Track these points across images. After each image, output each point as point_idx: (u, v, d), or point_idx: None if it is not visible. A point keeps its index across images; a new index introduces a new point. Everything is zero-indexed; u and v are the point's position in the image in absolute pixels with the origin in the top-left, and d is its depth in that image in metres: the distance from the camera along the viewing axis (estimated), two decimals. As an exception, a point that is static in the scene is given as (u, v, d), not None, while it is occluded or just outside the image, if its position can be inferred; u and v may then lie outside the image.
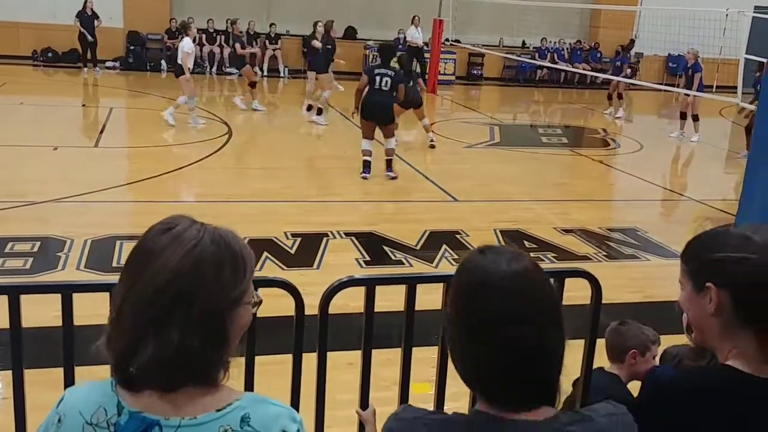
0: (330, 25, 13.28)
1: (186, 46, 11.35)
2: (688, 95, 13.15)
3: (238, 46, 14.11)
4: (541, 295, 1.28)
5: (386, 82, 8.79)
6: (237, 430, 1.22)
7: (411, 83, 10.60)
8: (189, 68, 11.32)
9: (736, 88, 11.33)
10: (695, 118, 13.18)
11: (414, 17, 17.97)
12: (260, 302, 1.35)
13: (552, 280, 2.39)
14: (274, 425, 1.24)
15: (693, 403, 1.48)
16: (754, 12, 13.00)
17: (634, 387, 2.72)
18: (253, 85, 13.49)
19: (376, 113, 8.79)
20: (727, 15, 12.13)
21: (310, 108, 12.98)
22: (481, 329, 1.26)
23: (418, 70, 18.52)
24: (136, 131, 11.24)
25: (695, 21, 14.23)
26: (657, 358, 3.01)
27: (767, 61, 7.80)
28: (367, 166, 8.89)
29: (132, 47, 18.42)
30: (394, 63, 9.38)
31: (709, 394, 1.48)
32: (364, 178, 8.80)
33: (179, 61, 11.31)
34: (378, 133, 9.01)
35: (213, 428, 1.21)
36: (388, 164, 8.99)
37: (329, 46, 13.15)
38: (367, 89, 8.84)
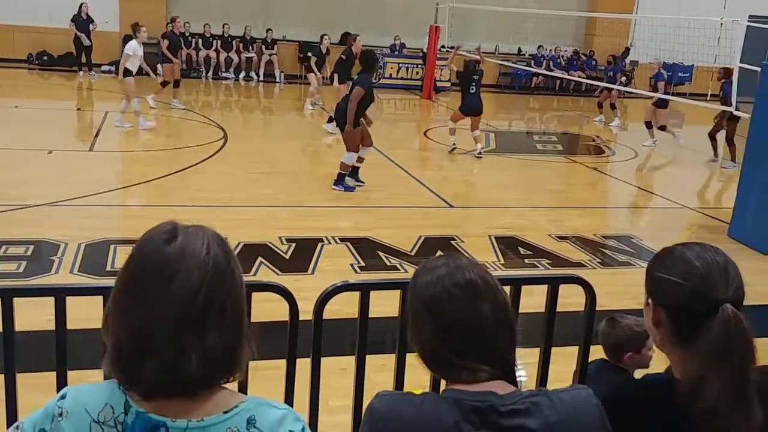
0: (353, 39, 13.23)
1: (128, 47, 11.41)
2: (657, 107, 13.18)
3: (165, 42, 14.06)
4: (486, 280, 1.43)
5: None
6: None
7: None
8: (131, 71, 11.31)
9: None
10: (648, 125, 13.24)
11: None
12: None
13: (547, 285, 2.41)
14: (280, 427, 1.25)
15: (625, 416, 1.55)
16: (749, 21, 13.06)
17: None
18: (163, 84, 13.50)
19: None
20: (721, 24, 12.18)
21: (331, 120, 12.80)
22: (432, 312, 1.41)
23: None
24: (131, 135, 11.22)
25: (690, 30, 14.30)
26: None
27: (761, 69, 7.84)
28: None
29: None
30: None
31: (636, 405, 1.58)
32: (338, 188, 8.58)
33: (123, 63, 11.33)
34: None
35: (220, 430, 1.22)
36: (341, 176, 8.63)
37: (345, 57, 13.07)
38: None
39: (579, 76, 19.57)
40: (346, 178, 8.69)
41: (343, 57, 13.13)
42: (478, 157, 10.98)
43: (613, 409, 1.53)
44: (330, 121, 11.92)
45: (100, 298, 1.95)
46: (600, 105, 16.29)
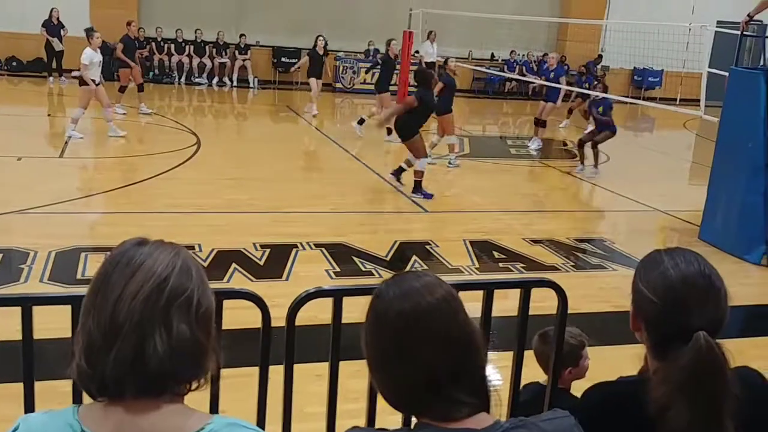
0: (388, 43, 13.09)
1: (84, 57, 11.00)
2: (546, 101, 13.23)
3: (119, 46, 13.86)
4: (454, 324, 1.31)
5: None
6: None
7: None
8: (93, 80, 10.98)
9: (699, 100, 11.54)
10: (541, 124, 13.30)
11: (430, 32, 17.93)
12: None
13: (519, 289, 2.42)
14: None
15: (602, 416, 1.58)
16: (717, 26, 13.29)
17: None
18: (121, 90, 13.37)
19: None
20: (689, 29, 12.37)
21: (362, 122, 12.67)
22: (399, 353, 1.29)
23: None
24: (102, 142, 11.10)
25: (659, 35, 14.51)
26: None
27: (729, 73, 7.98)
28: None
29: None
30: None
31: (611, 412, 1.60)
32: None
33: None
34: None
35: None
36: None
37: (383, 62, 12.95)
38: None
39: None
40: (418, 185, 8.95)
41: (381, 62, 13.02)
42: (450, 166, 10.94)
43: (594, 415, 1.55)
44: (390, 133, 11.87)
45: (68, 308, 1.92)
46: (570, 111, 16.43)
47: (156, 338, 1.17)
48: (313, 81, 14.68)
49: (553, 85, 12.99)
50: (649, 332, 1.56)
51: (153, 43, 18.28)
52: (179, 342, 1.18)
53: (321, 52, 14.89)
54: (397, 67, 13.92)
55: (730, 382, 1.45)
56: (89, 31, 11.42)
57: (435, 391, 1.27)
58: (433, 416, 1.29)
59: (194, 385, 1.24)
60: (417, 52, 18.74)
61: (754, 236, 7.16)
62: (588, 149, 11.23)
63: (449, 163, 10.90)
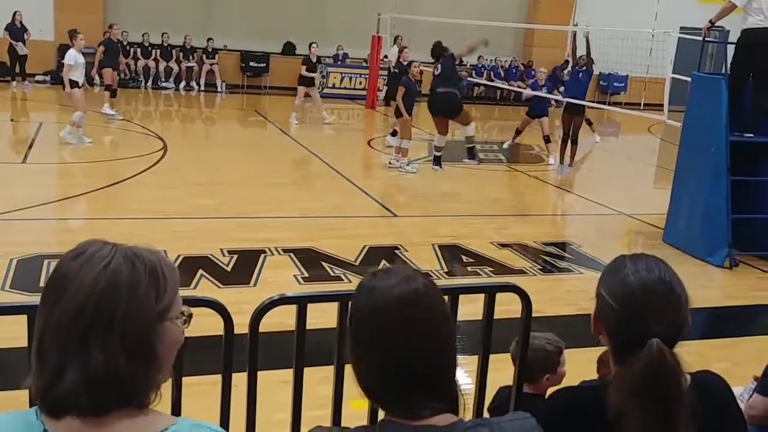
0: (400, 50, 13.03)
1: (68, 57, 11.02)
2: (537, 116, 13.23)
3: (101, 49, 13.76)
4: (429, 315, 1.34)
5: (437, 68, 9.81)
6: None
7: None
8: (76, 81, 10.97)
9: (662, 105, 11.74)
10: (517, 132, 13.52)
11: (396, 37, 17.90)
12: (190, 316, 1.31)
13: (484, 294, 2.43)
14: None
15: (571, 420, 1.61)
16: (680, 32, 13.52)
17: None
18: (108, 89, 13.27)
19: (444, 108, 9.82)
20: (653, 35, 12.58)
21: (395, 133, 12.37)
22: (374, 348, 1.33)
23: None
24: (66, 147, 10.93)
25: (624, 41, 14.73)
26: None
27: (692, 79, 8.13)
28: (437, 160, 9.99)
29: (63, 61, 17.94)
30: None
31: (574, 417, 1.62)
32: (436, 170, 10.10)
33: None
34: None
35: None
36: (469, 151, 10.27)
37: (397, 70, 12.84)
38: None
39: (519, 86, 19.90)
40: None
41: (396, 71, 12.90)
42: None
43: (558, 420, 1.57)
44: (394, 134, 11.88)
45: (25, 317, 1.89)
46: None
47: (69, 369, 1.14)
48: (301, 90, 14.68)
49: (538, 93, 13.06)
50: (609, 337, 1.58)
51: (119, 45, 18.03)
52: (95, 372, 1.14)
53: (314, 60, 14.90)
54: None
55: (684, 389, 1.46)
56: (73, 33, 11.35)
57: (406, 386, 1.31)
58: (399, 414, 1.32)
59: (139, 405, 1.21)
60: (386, 56, 18.79)
61: (716, 239, 7.28)
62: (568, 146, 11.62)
63: (401, 167, 10.88)
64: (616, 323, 1.55)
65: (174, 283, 1.26)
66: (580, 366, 2.92)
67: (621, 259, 1.62)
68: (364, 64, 19.55)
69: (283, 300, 2.20)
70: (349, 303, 1.40)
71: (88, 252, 1.21)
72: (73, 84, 10.93)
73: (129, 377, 1.16)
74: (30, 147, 10.62)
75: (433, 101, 9.94)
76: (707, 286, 6.69)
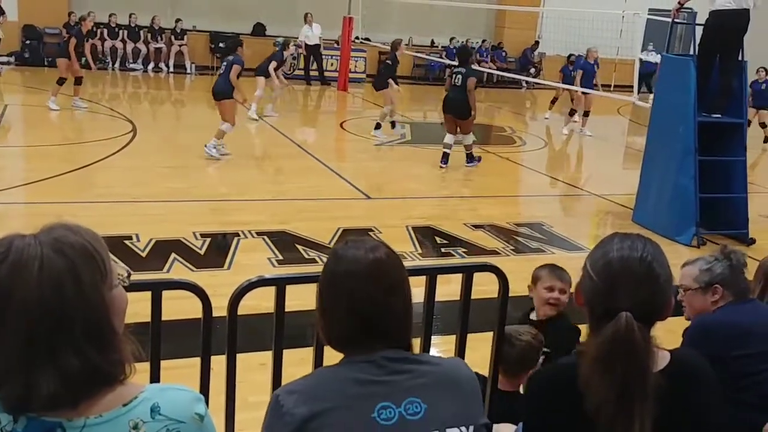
0: (398, 43, 12.87)
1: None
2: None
3: (73, 41, 12.92)
4: (393, 278, 1.60)
5: (458, 78, 9.86)
6: (149, 422, 1.18)
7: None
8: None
9: (632, 87, 11.88)
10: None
11: (306, 15, 17.91)
12: (129, 275, 1.30)
13: (461, 274, 2.44)
14: (186, 410, 1.22)
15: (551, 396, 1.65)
16: (649, 14, 13.64)
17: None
18: (60, 82, 12.69)
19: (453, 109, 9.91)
20: (623, 17, 12.66)
21: (378, 127, 12.08)
22: (345, 304, 1.58)
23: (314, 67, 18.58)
24: (32, 130, 10.71)
25: (594, 22, 14.80)
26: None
27: (661, 60, 8.21)
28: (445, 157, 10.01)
29: (28, 42, 17.55)
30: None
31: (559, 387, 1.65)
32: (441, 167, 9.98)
33: None
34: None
35: (122, 423, 1.17)
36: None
37: (390, 62, 12.71)
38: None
39: (489, 68, 19.93)
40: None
41: (389, 62, 12.74)
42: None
43: (539, 405, 1.63)
44: (378, 127, 11.83)
45: None
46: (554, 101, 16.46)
47: (42, 378, 1.13)
48: (261, 80, 14.32)
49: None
50: (587, 309, 1.61)
51: (86, 38, 17.62)
52: (71, 373, 1.14)
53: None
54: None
55: (646, 365, 1.49)
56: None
57: (370, 335, 1.55)
58: (360, 356, 1.56)
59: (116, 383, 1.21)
60: (357, 38, 18.70)
61: (684, 218, 7.40)
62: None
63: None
64: (592, 294, 1.59)
65: (105, 251, 1.24)
66: (554, 344, 2.96)
67: (611, 236, 1.67)
68: (336, 45, 19.40)
69: (262, 282, 2.20)
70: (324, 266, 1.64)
71: (11, 256, 1.16)
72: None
73: (103, 364, 1.17)
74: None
75: (447, 102, 10.18)
76: (674, 264, 6.66)
